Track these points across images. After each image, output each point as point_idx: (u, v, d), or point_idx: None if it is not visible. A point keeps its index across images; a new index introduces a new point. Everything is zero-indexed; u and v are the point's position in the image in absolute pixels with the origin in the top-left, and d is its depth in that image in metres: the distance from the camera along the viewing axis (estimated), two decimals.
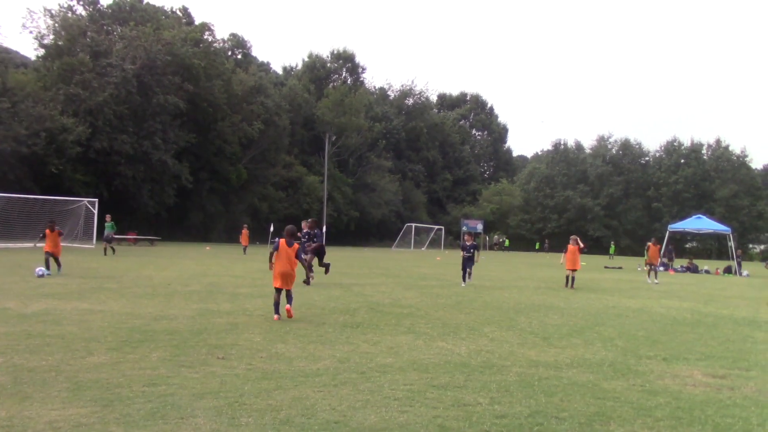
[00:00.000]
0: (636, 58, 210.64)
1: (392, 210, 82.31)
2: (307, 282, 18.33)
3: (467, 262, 21.17)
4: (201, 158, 60.18)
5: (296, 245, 11.61)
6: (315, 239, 20.70)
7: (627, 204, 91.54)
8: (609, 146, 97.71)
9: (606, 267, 41.29)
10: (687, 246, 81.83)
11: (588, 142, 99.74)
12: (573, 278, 21.91)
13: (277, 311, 11.54)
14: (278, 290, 11.58)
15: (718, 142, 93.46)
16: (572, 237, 22.85)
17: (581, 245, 22.58)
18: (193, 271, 22.72)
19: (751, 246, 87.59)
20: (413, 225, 72.05)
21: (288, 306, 11.54)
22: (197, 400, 6.26)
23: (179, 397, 6.35)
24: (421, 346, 9.69)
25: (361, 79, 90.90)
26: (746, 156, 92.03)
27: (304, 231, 20.48)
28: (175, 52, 55.09)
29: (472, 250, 21.22)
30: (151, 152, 52.28)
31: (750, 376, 8.57)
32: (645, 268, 29.03)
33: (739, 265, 40.64)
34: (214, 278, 20.13)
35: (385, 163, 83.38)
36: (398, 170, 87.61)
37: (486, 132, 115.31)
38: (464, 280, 21.13)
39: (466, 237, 21.99)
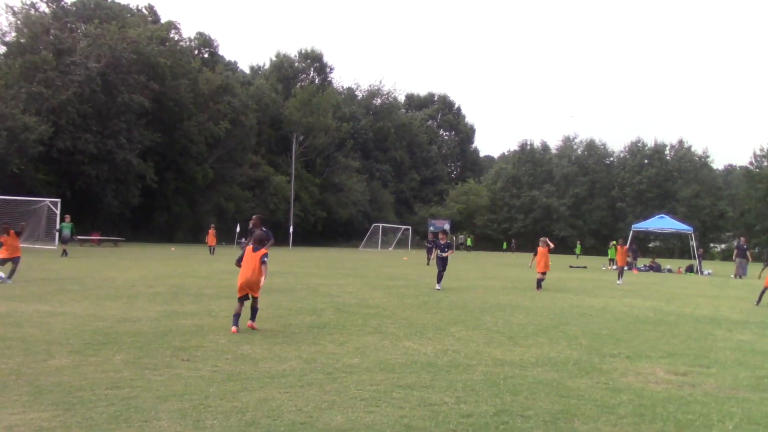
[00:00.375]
0: (601, 60, 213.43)
1: (359, 210, 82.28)
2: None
3: (440, 262, 20.20)
4: (166, 158, 59.58)
5: (263, 251, 10.77)
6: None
7: (592, 204, 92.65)
8: (574, 147, 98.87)
9: (571, 266, 41.70)
10: (650, 245, 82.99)
11: (554, 143, 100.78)
12: (541, 280, 21.34)
13: (235, 323, 10.37)
14: (241, 300, 10.55)
15: (680, 142, 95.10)
16: (542, 239, 22.31)
17: (551, 245, 22.15)
18: (158, 272, 22.47)
19: (712, 245, 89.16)
20: (380, 225, 72.11)
21: (250, 322, 10.56)
22: (161, 403, 6.19)
23: (143, 400, 6.27)
24: (387, 346, 9.70)
25: (329, 78, 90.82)
26: (708, 157, 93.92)
27: (250, 228, 18.47)
28: (140, 50, 54.44)
29: (447, 250, 20.32)
30: (116, 152, 51.60)
31: (710, 373, 8.72)
32: (609, 267, 29.43)
33: (701, 264, 41.32)
34: (179, 279, 19.93)
35: (352, 163, 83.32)
36: (366, 170, 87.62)
37: (453, 132, 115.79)
38: (439, 281, 19.87)
39: (440, 235, 21.12)
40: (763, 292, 19.06)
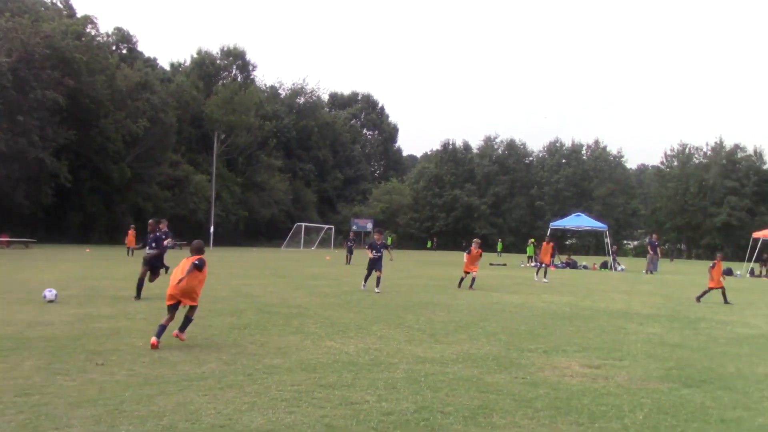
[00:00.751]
0: (521, 61, 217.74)
1: (282, 209, 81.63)
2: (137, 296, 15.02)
3: (375, 264, 18.79)
4: (81, 156, 57.67)
5: (193, 258, 9.72)
6: (158, 243, 15.68)
7: (512, 203, 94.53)
8: (495, 146, 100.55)
9: (491, 264, 42.41)
10: (567, 243, 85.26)
11: (475, 143, 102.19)
12: (474, 279, 21.25)
13: (158, 334, 9.18)
14: (170, 309, 9.45)
15: (596, 143, 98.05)
16: (475, 240, 22.42)
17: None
18: (72, 275, 21.76)
19: (625, 242, 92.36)
20: (303, 224, 71.72)
21: (178, 332, 9.49)
22: (74, 409, 5.99)
23: (54, 407, 6.06)
24: (309, 346, 9.67)
25: (252, 76, 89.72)
26: (622, 156, 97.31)
27: (148, 232, 15.92)
28: (54, 45, 52.45)
29: (381, 251, 19.03)
30: (28, 150, 49.58)
31: (623, 366, 9.02)
32: (528, 264, 29.91)
33: (615, 260, 42.68)
34: (94, 281, 19.37)
35: (275, 162, 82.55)
36: (288, 169, 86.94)
37: (377, 131, 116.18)
38: (365, 281, 19.00)
39: (375, 235, 19.93)
40: (707, 292, 19.61)
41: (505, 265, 42.99)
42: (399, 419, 6.03)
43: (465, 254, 22.03)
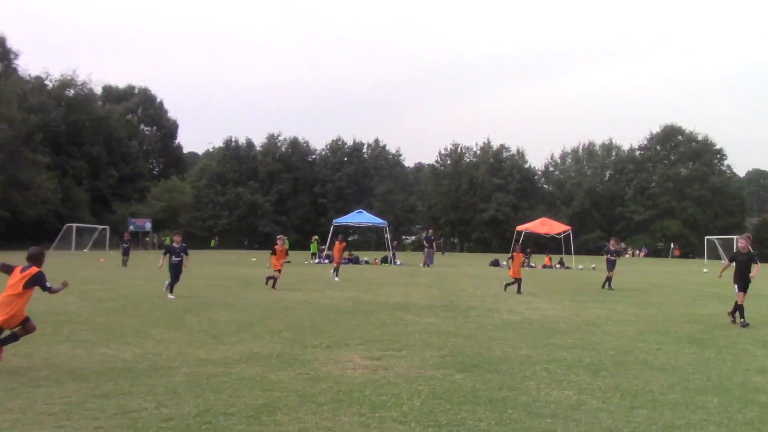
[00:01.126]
0: (297, 57, 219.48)
1: (50, 209, 75.65)
2: None
3: (176, 268, 17.52)
4: None
5: (33, 269, 8.50)
6: None
7: (296, 200, 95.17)
8: (279, 144, 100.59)
9: None
10: (350, 239, 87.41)
11: (258, 140, 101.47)
12: (275, 279, 20.81)
13: None
14: None
15: (376, 142, 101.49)
16: (279, 237, 22.30)
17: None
18: None
19: (404, 237, 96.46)
20: (74, 225, 67.20)
21: None
22: None
23: None
24: (81, 354, 9.07)
25: (14, 65, 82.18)
26: (400, 155, 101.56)
27: None
28: None
29: (182, 255, 17.78)
30: None
31: (402, 356, 9.41)
32: (312, 261, 30.14)
33: (394, 255, 44.44)
34: None
35: (41, 158, 76.28)
36: (57, 166, 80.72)
37: (155, 127, 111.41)
38: (171, 289, 17.25)
39: (175, 237, 18.49)
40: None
41: (289, 262, 43.11)
42: (180, 424, 5.84)
43: (270, 254, 21.66)
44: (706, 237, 66.56)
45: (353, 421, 6.07)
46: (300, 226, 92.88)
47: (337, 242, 28.20)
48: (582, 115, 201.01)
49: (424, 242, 44.92)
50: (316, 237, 51.25)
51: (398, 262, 43.42)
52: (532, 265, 42.44)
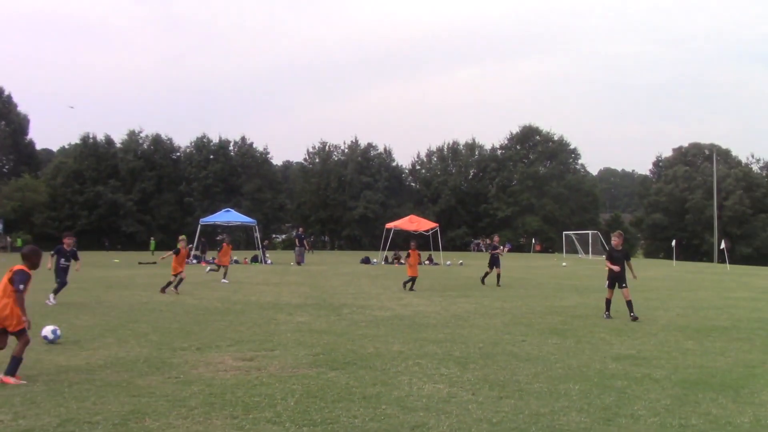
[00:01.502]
0: (166, 52, 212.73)
1: None
2: None
3: (64, 272, 16.48)
4: None
5: (17, 267, 7.97)
6: None
7: (160, 199, 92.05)
8: (141, 141, 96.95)
9: (141, 263, 40.89)
10: (218, 238, 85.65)
11: (119, 137, 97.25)
12: (181, 279, 19.90)
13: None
14: None
15: (243, 139, 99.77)
16: (181, 238, 21.31)
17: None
18: None
19: (274, 236, 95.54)
20: None
21: (6, 377, 7.50)
22: None
23: None
24: None
25: None
26: (268, 153, 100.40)
27: None
28: None
29: (71, 260, 16.62)
30: None
31: (274, 356, 9.32)
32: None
33: (264, 254, 43.94)
34: None
35: None
36: None
37: (4, 122, 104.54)
38: (55, 293, 16.17)
39: (66, 240, 16.98)
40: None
41: (155, 263, 41.75)
42: None
43: (173, 254, 20.61)
44: (564, 232, 70.13)
45: (226, 424, 5.95)
46: (166, 225, 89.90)
47: (224, 245, 27.27)
48: (447, 115, 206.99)
49: (295, 240, 44.71)
50: (183, 236, 49.76)
51: (268, 261, 42.96)
52: (402, 261, 43.18)
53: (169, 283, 19.66)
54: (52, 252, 16.43)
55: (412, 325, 12.70)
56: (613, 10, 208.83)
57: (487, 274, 23.80)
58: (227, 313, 14.51)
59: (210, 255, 44.44)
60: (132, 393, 7.01)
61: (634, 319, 13.66)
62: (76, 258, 16.73)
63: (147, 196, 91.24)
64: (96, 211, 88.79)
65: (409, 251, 21.91)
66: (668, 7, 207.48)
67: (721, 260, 53.72)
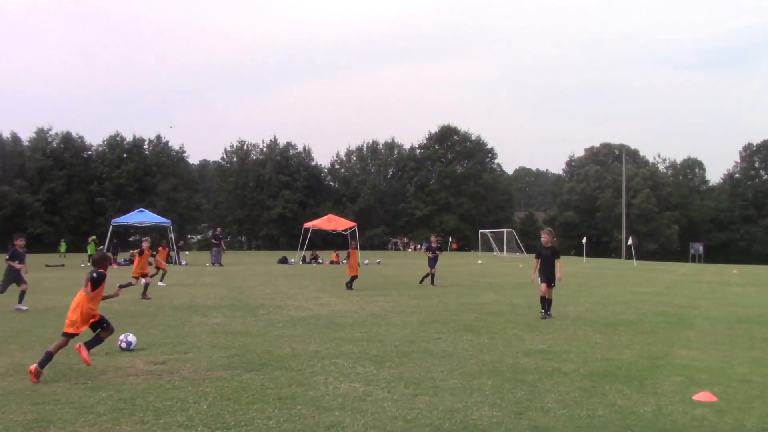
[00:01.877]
0: (65, 46, 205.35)
1: None
2: None
3: (17, 274, 15.70)
4: None
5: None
6: None
7: (70, 199, 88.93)
8: (50, 139, 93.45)
9: (48, 265, 39.44)
10: (131, 239, 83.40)
11: (26, 135, 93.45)
12: (146, 284, 18.88)
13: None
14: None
15: (158, 138, 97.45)
16: (145, 239, 20.92)
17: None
18: None
19: (190, 236, 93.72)
20: None
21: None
22: None
23: None
24: None
25: None
26: (184, 152, 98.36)
27: None
28: None
29: (20, 267, 15.74)
30: None
31: (188, 358, 9.15)
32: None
33: (179, 254, 43.04)
34: None
35: None
36: None
37: None
38: (20, 300, 15.35)
39: (18, 242, 16.06)
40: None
41: (63, 266, 40.36)
42: None
43: (137, 255, 19.90)
44: (480, 231, 71.36)
45: (136, 430, 5.82)
46: (76, 226, 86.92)
47: (160, 248, 26.26)
48: (368, 114, 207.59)
49: (212, 241, 44.02)
50: (94, 237, 48.37)
51: (183, 262, 42.13)
52: (320, 261, 43.08)
53: (147, 286, 18.84)
54: (8, 256, 15.74)
55: (328, 325, 12.69)
56: (529, 12, 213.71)
57: (428, 275, 23.62)
58: (139, 315, 14.15)
59: (122, 257, 43.31)
60: (36, 401, 6.76)
61: (546, 317, 13.67)
62: (22, 261, 16.01)
63: (56, 196, 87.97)
64: (1, 212, 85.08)
65: (349, 251, 22.18)
66: (582, 11, 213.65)
67: (629, 256, 55.97)
